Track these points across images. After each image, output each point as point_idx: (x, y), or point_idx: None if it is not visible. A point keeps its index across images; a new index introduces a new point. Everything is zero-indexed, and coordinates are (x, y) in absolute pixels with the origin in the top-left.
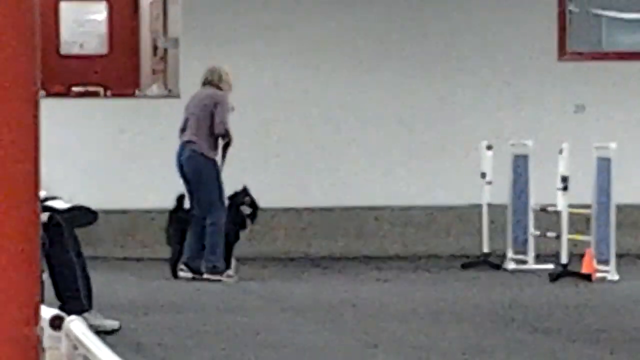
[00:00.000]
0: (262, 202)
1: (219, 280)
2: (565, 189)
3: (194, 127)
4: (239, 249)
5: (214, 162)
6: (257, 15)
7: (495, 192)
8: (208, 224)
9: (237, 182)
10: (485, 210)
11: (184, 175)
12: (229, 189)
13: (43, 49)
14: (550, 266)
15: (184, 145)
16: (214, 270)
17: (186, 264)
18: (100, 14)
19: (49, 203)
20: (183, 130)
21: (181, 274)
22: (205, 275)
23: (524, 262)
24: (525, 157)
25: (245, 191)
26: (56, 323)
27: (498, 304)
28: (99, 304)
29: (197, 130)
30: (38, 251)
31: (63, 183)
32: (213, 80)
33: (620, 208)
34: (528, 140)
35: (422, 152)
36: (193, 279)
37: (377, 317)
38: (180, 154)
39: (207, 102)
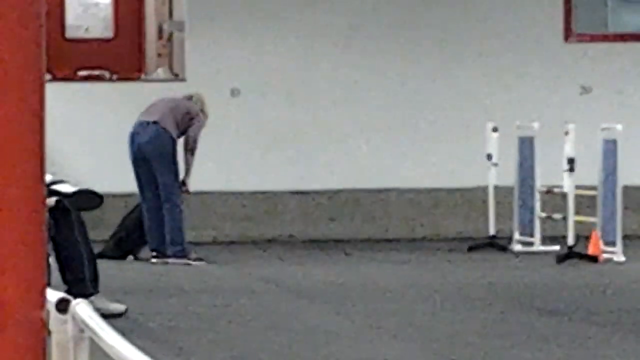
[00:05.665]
0: (268, 186)
1: (188, 264)
2: (571, 170)
3: (163, 112)
4: (243, 231)
5: (176, 144)
6: None
7: (501, 174)
8: (169, 206)
9: (243, 166)
10: (491, 192)
11: (142, 155)
12: (235, 174)
13: (48, 32)
14: (557, 248)
15: (146, 124)
16: (183, 253)
17: (157, 251)
18: None
19: (55, 187)
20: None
21: (154, 260)
22: (172, 260)
23: (530, 244)
24: (531, 139)
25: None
26: (62, 306)
27: (504, 286)
28: (105, 287)
29: (165, 116)
30: (44, 235)
31: (69, 167)
32: (196, 103)
33: (626, 189)
34: (534, 122)
35: (428, 135)
36: (165, 263)
37: (383, 300)
38: (138, 133)
39: (186, 110)
